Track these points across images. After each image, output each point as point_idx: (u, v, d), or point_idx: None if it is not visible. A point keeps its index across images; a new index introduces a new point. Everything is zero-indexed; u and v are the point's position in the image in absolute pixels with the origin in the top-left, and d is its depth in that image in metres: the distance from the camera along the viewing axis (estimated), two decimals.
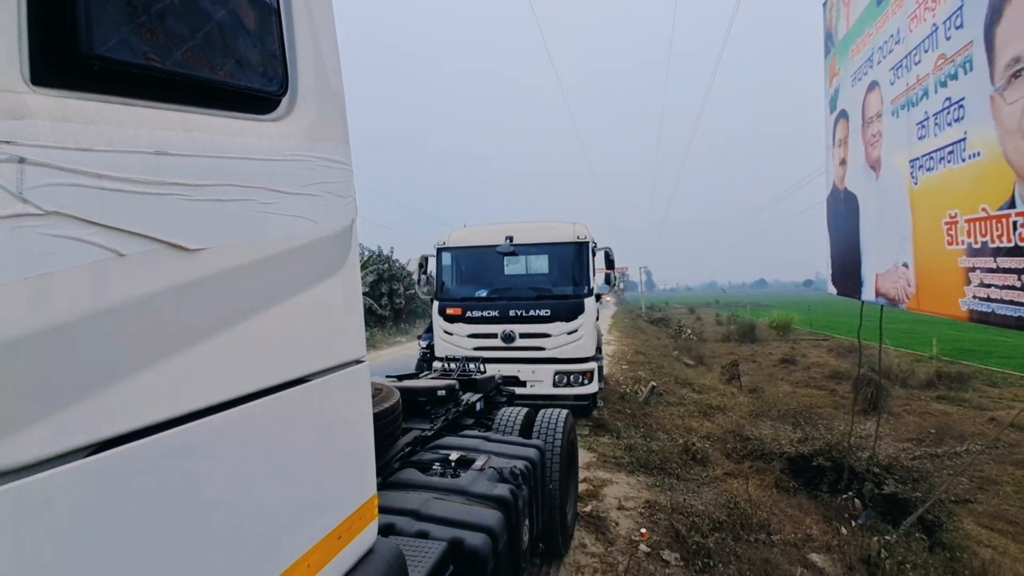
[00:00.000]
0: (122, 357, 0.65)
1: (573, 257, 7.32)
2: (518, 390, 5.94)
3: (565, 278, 7.38)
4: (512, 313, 7.09)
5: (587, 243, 7.31)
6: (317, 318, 0.97)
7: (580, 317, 7.00)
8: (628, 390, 9.96)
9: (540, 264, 7.82)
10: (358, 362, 1.10)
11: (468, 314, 7.28)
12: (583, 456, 5.80)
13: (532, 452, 3.02)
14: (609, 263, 7.54)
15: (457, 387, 4.03)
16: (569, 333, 6.97)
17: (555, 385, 6.96)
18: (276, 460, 0.88)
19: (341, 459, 1.05)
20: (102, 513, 0.63)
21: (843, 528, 4.51)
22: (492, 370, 5.37)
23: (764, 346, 20.33)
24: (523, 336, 7.05)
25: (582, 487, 5.04)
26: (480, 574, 1.95)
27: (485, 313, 7.21)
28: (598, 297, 7.59)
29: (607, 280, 7.70)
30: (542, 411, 3.99)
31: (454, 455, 2.85)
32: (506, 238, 7.29)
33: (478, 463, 2.74)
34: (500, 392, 4.98)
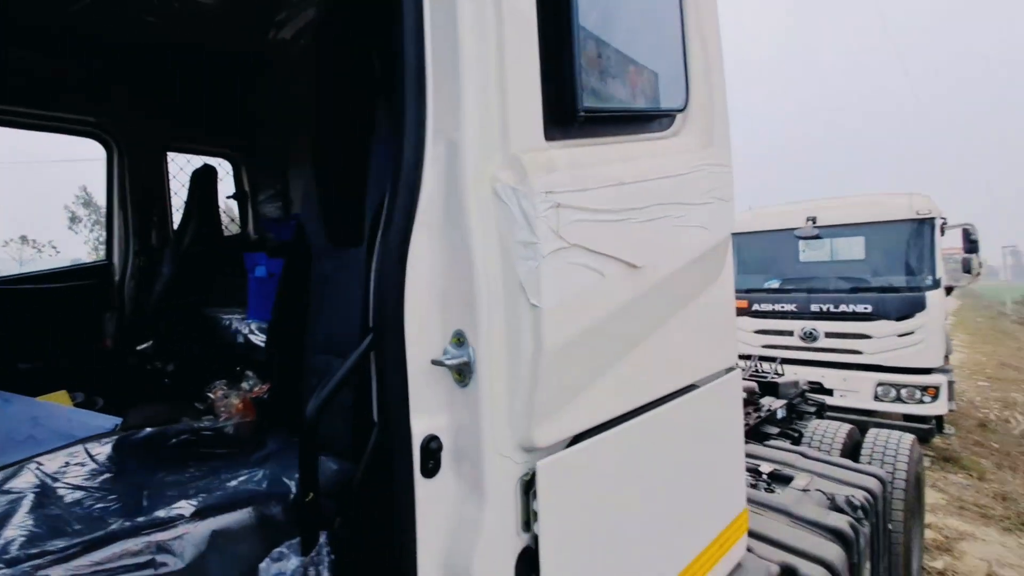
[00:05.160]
0: (605, 359, 0.78)
1: (909, 238, 5.73)
2: (826, 400, 5.04)
3: (894, 265, 5.85)
4: (815, 308, 6.05)
5: (930, 219, 5.62)
6: (704, 325, 0.97)
7: (919, 315, 5.44)
8: (992, 416, 7.34)
9: (853, 248, 6.39)
10: (730, 370, 1.06)
11: (755, 307, 6.54)
12: (927, 496, 4.54)
13: (872, 482, 2.50)
14: (970, 245, 5.62)
15: (756, 390, 3.67)
16: (901, 335, 5.51)
17: (877, 398, 5.63)
18: (677, 462, 0.92)
19: (723, 466, 1.04)
20: (604, 471, 0.82)
21: None
22: (788, 372, 4.70)
23: None
24: (829, 335, 5.93)
25: (927, 535, 3.95)
26: None
27: (777, 307, 6.36)
28: (948, 289, 5.77)
29: (966, 267, 5.76)
30: (873, 430, 3.29)
31: (765, 467, 2.59)
32: (807, 220, 6.24)
33: (799, 482, 2.44)
34: (806, 400, 4.32)
